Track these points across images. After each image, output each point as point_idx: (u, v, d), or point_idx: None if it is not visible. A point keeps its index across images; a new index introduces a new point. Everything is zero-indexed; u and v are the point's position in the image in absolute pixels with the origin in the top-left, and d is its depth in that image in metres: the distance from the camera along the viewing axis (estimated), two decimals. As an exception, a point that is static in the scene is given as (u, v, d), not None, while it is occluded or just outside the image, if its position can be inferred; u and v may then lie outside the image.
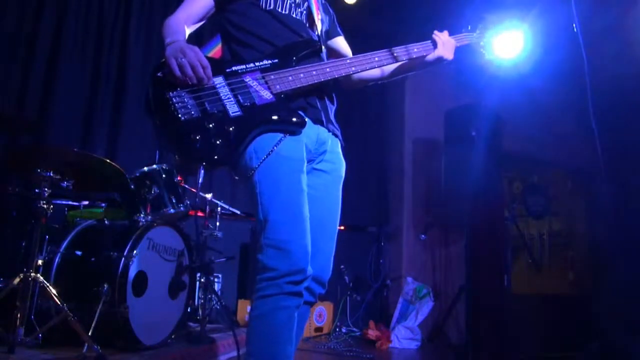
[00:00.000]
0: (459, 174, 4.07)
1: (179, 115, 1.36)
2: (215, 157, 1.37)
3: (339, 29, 1.86)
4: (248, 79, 1.47)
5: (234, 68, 1.48)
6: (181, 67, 1.38)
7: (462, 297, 4.04)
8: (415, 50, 1.72)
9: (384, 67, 1.77)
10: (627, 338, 3.70)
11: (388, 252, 5.02)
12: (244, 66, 1.49)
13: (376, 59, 1.65)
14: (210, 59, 1.45)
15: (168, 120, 1.37)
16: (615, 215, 4.16)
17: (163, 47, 1.47)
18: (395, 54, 1.68)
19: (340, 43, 1.85)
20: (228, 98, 1.43)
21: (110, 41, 3.99)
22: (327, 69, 1.55)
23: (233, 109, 1.41)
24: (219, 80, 1.44)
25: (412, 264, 4.90)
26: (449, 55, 1.75)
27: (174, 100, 1.38)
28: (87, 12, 3.93)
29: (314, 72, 1.52)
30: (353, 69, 1.61)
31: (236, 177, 1.50)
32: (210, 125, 1.37)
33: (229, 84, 1.45)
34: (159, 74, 1.43)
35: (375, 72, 1.80)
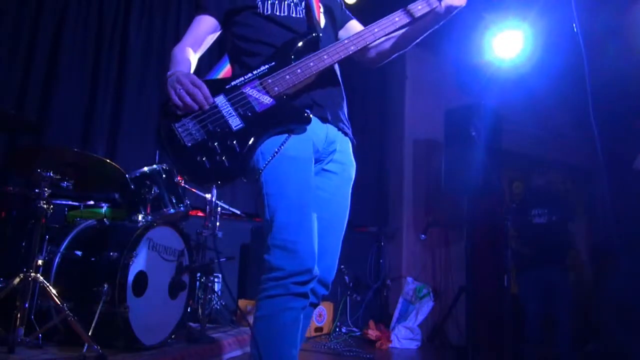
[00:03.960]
0: (459, 174, 4.07)
1: (185, 143, 1.40)
2: (225, 173, 1.39)
3: (348, 13, 1.82)
4: (247, 90, 1.47)
5: (232, 83, 1.49)
6: (180, 97, 1.40)
7: (462, 297, 4.04)
8: (420, 7, 1.60)
9: (396, 35, 1.66)
10: (627, 338, 3.71)
11: (388, 252, 5.02)
12: (242, 78, 1.49)
13: (375, 30, 1.58)
14: (210, 80, 1.46)
15: (177, 149, 1.40)
16: (615, 215, 4.16)
17: (165, 49, 1.48)
18: (397, 19, 1.59)
19: (355, 26, 1.78)
20: (230, 114, 1.44)
21: (110, 41, 3.99)
22: (325, 57, 1.52)
23: (235, 123, 1.42)
24: (220, 99, 1.45)
25: (412, 264, 4.90)
26: (459, 1, 1.57)
27: (179, 130, 1.41)
28: (87, 12, 3.93)
29: (311, 64, 1.50)
30: (352, 48, 1.55)
31: (244, 180, 1.50)
32: (215, 144, 1.39)
33: (229, 100, 1.46)
34: (164, 108, 1.46)
35: (388, 44, 1.69)
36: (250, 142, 1.41)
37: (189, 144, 1.39)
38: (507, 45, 4.31)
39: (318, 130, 1.51)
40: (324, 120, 1.54)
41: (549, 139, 5.53)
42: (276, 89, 1.47)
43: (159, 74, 4.00)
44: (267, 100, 1.46)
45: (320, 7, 1.68)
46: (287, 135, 1.44)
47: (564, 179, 4.57)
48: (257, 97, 1.46)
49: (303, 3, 1.64)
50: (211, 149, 1.38)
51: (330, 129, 1.56)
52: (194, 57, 1.59)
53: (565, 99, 4.92)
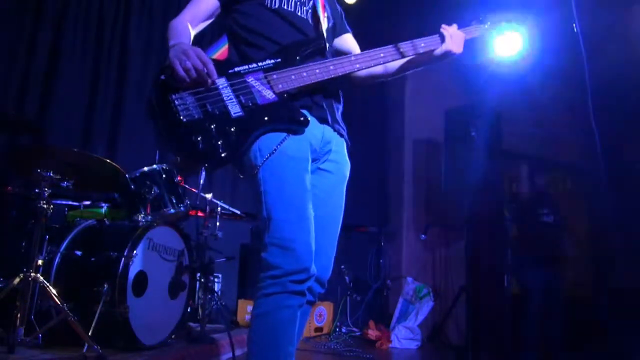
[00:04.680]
0: (459, 174, 4.07)
1: (181, 117, 1.36)
2: (217, 158, 1.37)
3: (347, 26, 1.85)
4: (250, 79, 1.46)
5: (236, 69, 1.48)
6: (186, 70, 1.38)
7: (462, 297, 4.04)
8: (422, 45, 1.68)
9: (390, 64, 1.73)
10: (627, 338, 3.71)
11: (388, 252, 5.02)
12: (246, 67, 1.48)
13: (381, 55, 1.62)
14: (213, 61, 1.44)
15: (170, 122, 1.37)
16: (615, 215, 4.16)
17: (165, 48, 1.47)
18: (401, 50, 1.65)
19: (348, 40, 1.83)
20: (230, 99, 1.42)
21: (110, 41, 3.99)
22: (331, 67, 1.54)
23: (235, 110, 1.41)
24: (221, 82, 1.44)
25: (412, 264, 4.90)
26: (457, 48, 1.69)
27: (176, 103, 1.38)
28: (87, 12, 3.93)
29: (317, 71, 1.51)
30: (357, 65, 1.59)
31: (241, 176, 1.50)
32: (212, 126, 1.36)
33: (231, 85, 1.44)
34: (162, 77, 1.42)
35: (381, 69, 1.75)
36: (248, 133, 1.40)
37: (185, 120, 1.36)
38: (507, 45, 4.30)
39: (315, 130, 1.52)
40: (322, 121, 1.55)
41: (549, 139, 5.52)
42: (280, 86, 1.47)
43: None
44: (269, 95, 1.45)
45: (325, 12, 1.69)
46: (286, 134, 1.44)
47: (563, 179, 4.56)
48: (260, 89, 1.45)
49: (310, 3, 1.66)
50: (207, 130, 1.36)
51: (327, 130, 1.57)
52: (192, 32, 1.58)
53: (565, 98, 4.92)
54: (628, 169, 4.29)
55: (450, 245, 4.98)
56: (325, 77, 1.52)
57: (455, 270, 4.81)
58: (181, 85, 1.40)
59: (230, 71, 1.47)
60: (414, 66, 1.75)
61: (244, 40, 1.59)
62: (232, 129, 1.38)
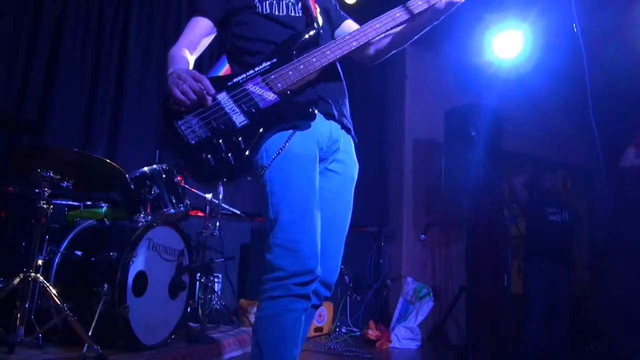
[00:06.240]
0: (459, 174, 4.06)
1: (189, 140, 1.38)
2: (231, 170, 1.37)
3: (343, 13, 1.83)
4: (250, 86, 1.46)
5: (234, 80, 1.48)
6: (184, 93, 1.38)
7: (462, 297, 4.04)
8: (420, 3, 1.61)
9: (394, 30, 1.66)
10: (626, 338, 3.71)
11: (388, 252, 5.02)
12: (244, 75, 1.48)
13: (377, 25, 1.59)
14: (211, 78, 1.45)
15: (181, 148, 1.39)
16: (614, 215, 4.16)
17: (164, 51, 1.47)
18: (398, 14, 1.60)
19: (350, 25, 1.80)
20: (233, 110, 1.42)
21: (110, 41, 3.99)
22: (327, 52, 1.52)
23: (239, 120, 1.41)
24: (222, 96, 1.44)
25: (412, 264, 4.89)
26: None
27: (182, 128, 1.40)
28: (87, 12, 3.92)
29: (314, 59, 1.50)
30: (354, 43, 1.56)
31: (249, 179, 1.49)
32: (220, 141, 1.37)
33: (232, 97, 1.45)
34: (165, 107, 1.45)
35: (386, 40, 1.70)
36: (255, 139, 1.40)
37: (193, 142, 1.38)
38: (507, 45, 4.31)
39: (322, 127, 1.50)
40: (328, 116, 1.53)
41: (549, 139, 5.52)
42: (279, 85, 1.46)
43: (159, 74, 4.00)
44: (270, 96, 1.45)
45: (317, 8, 1.68)
46: (292, 131, 1.43)
47: (564, 179, 4.56)
48: (260, 93, 1.45)
49: (300, 3, 1.65)
50: (215, 146, 1.37)
51: (334, 127, 1.55)
52: (191, 58, 1.59)
53: (565, 99, 4.92)
54: (628, 169, 4.29)
55: (450, 245, 4.98)
56: (324, 64, 1.51)
57: (455, 270, 4.81)
58: (182, 109, 1.41)
59: (229, 83, 1.47)
60: (421, 27, 1.66)
61: (242, 49, 1.59)
62: (240, 139, 1.38)
